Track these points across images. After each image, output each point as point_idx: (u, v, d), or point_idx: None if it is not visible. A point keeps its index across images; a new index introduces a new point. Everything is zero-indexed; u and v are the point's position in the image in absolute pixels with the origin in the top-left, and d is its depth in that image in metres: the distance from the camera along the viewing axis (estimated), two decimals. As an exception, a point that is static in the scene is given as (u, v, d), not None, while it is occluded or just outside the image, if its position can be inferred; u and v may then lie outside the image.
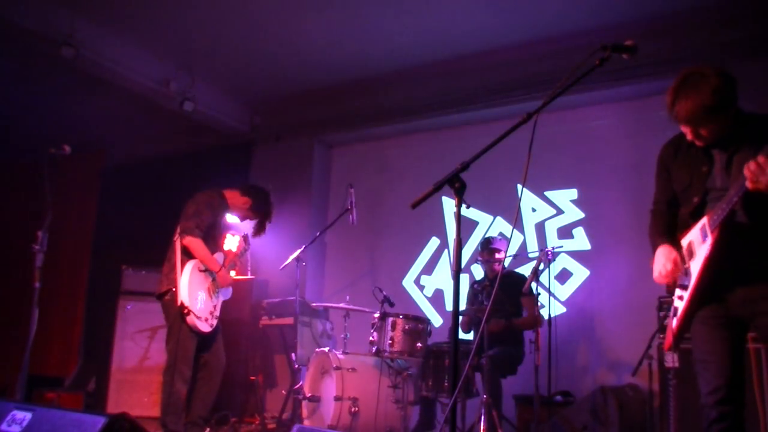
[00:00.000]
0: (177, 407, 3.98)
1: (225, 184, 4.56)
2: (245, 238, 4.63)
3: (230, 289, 4.41)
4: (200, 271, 4.15)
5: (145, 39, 5.78)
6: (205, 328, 4.08)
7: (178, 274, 4.03)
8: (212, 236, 4.31)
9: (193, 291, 4.04)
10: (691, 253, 2.47)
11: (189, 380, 4.07)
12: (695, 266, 2.42)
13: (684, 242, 2.53)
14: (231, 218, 4.71)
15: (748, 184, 2.15)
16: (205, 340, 4.17)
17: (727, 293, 2.38)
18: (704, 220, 2.40)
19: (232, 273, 4.57)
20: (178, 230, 4.18)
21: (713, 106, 2.29)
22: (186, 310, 3.93)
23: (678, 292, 2.51)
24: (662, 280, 2.56)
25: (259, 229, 4.56)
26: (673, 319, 2.51)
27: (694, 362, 2.46)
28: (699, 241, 2.42)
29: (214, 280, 4.25)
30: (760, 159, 2.12)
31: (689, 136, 2.44)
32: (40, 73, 6.03)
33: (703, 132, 2.39)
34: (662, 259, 2.55)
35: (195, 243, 4.10)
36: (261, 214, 4.51)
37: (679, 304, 2.49)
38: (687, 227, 2.53)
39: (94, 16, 5.41)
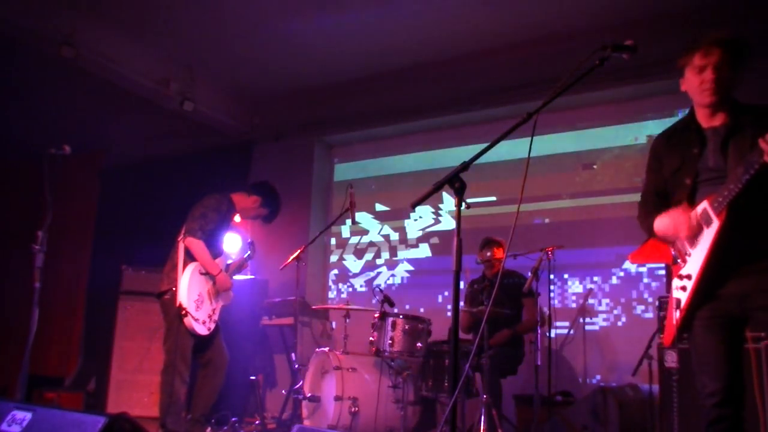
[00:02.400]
0: (177, 407, 3.97)
1: (225, 184, 4.57)
2: (252, 245, 4.66)
3: (231, 294, 4.40)
4: (201, 273, 4.15)
5: (145, 39, 5.78)
6: (202, 331, 4.07)
7: (179, 274, 4.03)
8: (215, 240, 4.30)
9: (192, 293, 4.03)
10: (692, 240, 2.37)
11: (188, 380, 4.07)
12: (699, 253, 2.32)
13: None
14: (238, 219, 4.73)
15: (765, 157, 2.06)
16: (204, 340, 4.16)
17: (722, 290, 2.32)
18: (704, 205, 2.31)
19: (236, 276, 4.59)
20: (183, 231, 4.18)
21: (741, 42, 2.34)
22: (184, 312, 3.92)
23: (679, 282, 2.40)
24: (682, 232, 2.36)
25: (271, 218, 4.61)
26: (675, 311, 2.39)
27: (692, 363, 2.43)
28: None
29: (215, 283, 4.25)
30: None
31: (708, 77, 2.36)
32: (40, 73, 6.03)
33: (725, 71, 2.34)
34: (672, 217, 2.40)
35: (196, 245, 4.09)
36: (272, 206, 4.55)
37: (682, 295, 2.37)
38: None
39: (94, 16, 5.41)
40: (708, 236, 2.30)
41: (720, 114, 2.41)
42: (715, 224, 2.27)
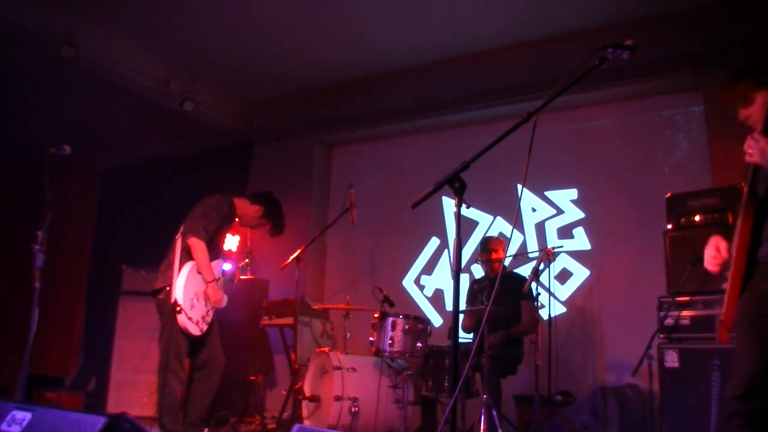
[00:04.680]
0: (174, 407, 3.94)
1: (225, 185, 4.53)
2: (248, 254, 4.63)
3: (225, 299, 4.33)
4: (198, 273, 4.11)
5: (145, 39, 5.79)
6: (194, 331, 4.01)
7: (174, 273, 3.98)
8: (215, 242, 4.25)
9: (188, 292, 3.98)
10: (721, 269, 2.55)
11: (183, 380, 4.03)
12: (732, 252, 2.47)
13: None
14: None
15: (746, 158, 2.26)
16: (198, 341, 4.11)
17: (759, 285, 2.42)
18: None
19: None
20: (182, 229, 4.14)
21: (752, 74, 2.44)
22: (178, 308, 3.86)
23: (726, 281, 2.54)
24: (709, 266, 2.59)
25: (275, 232, 4.55)
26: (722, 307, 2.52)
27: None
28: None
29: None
30: (755, 134, 2.23)
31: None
32: (40, 73, 6.03)
33: (745, 110, 2.46)
34: (709, 247, 2.60)
35: (198, 246, 4.04)
36: (274, 219, 4.49)
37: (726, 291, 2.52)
38: None
39: (94, 16, 5.41)
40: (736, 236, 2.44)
41: None
42: (738, 223, 2.44)
